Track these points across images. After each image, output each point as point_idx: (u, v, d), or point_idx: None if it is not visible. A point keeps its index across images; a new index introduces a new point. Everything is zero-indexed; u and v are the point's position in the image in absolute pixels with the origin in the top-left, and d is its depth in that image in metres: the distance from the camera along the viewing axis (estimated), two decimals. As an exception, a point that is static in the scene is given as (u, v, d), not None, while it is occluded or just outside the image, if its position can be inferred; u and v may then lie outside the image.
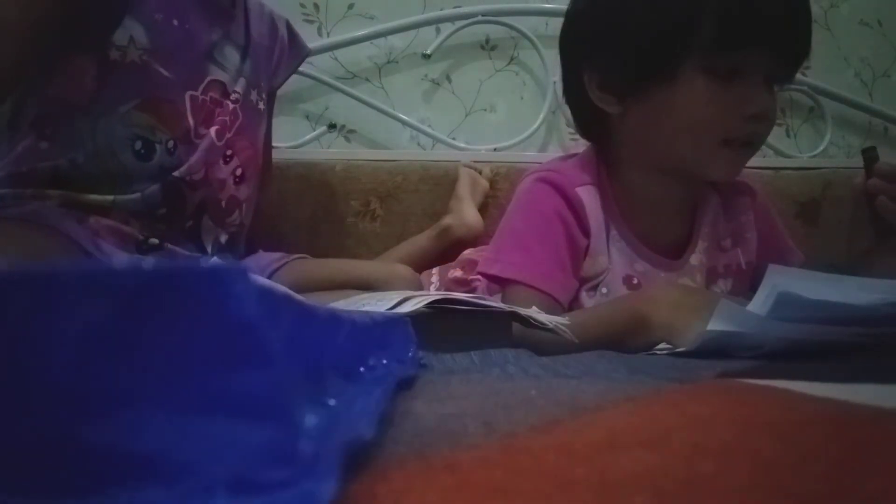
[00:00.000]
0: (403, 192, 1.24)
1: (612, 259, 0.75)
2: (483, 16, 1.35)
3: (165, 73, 0.78)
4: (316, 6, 1.37)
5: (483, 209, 1.21)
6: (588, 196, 0.75)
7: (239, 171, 0.89)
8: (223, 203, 0.87)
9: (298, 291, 0.65)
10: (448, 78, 1.40)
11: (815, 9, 1.45)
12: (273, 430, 0.14)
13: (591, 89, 0.75)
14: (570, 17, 0.79)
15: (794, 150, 1.42)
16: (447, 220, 1.16)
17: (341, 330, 0.24)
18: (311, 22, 1.36)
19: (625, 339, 0.58)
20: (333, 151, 1.33)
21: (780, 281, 0.46)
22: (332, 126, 1.34)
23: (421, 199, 1.24)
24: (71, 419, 0.13)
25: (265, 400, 0.14)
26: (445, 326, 0.50)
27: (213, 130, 0.85)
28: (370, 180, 1.24)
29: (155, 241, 0.80)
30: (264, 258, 0.93)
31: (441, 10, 1.36)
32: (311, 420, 0.16)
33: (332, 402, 0.19)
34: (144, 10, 0.77)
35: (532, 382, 0.36)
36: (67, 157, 0.76)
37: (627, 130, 0.76)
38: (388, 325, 0.32)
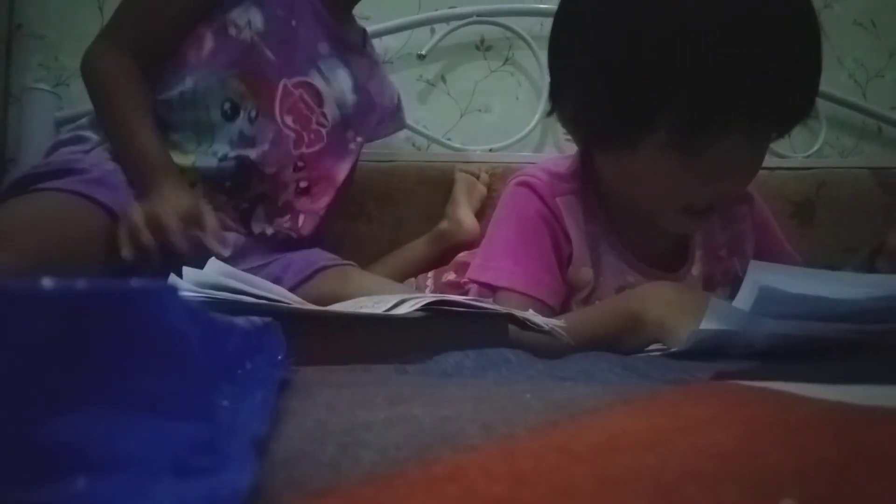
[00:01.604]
0: (399, 194, 1.24)
1: (603, 270, 0.74)
2: (478, 16, 1.35)
3: (269, 56, 0.91)
4: (310, 7, 1.36)
5: (480, 214, 1.21)
6: (567, 206, 0.73)
7: (304, 184, 0.98)
8: (279, 202, 0.96)
9: (335, 299, 0.68)
10: (443, 78, 1.40)
11: (809, 9, 1.46)
12: (197, 425, 0.17)
13: (562, 117, 0.72)
14: (551, 39, 0.72)
15: (788, 150, 1.42)
16: (444, 225, 1.16)
17: (231, 336, 0.26)
18: (306, 23, 1.36)
19: (618, 338, 0.58)
20: (328, 152, 1.33)
21: (762, 276, 0.46)
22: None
23: (417, 200, 1.24)
24: (20, 421, 0.15)
25: (189, 399, 0.17)
26: (442, 329, 0.50)
27: (291, 138, 0.95)
28: (365, 182, 1.23)
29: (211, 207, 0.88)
30: (314, 255, 0.96)
31: (436, 10, 1.36)
32: (219, 417, 0.19)
33: (225, 403, 0.21)
34: (268, 3, 0.90)
35: (528, 385, 0.36)
36: (165, 95, 0.88)
37: (597, 162, 0.74)
38: (262, 330, 0.34)
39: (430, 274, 1.04)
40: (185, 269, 0.51)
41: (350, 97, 1.01)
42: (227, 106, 0.90)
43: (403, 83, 1.38)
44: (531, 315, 0.55)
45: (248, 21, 0.89)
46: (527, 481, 0.18)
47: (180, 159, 0.88)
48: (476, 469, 0.19)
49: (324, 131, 0.98)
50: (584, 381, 0.37)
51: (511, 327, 0.56)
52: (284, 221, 0.98)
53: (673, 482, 0.18)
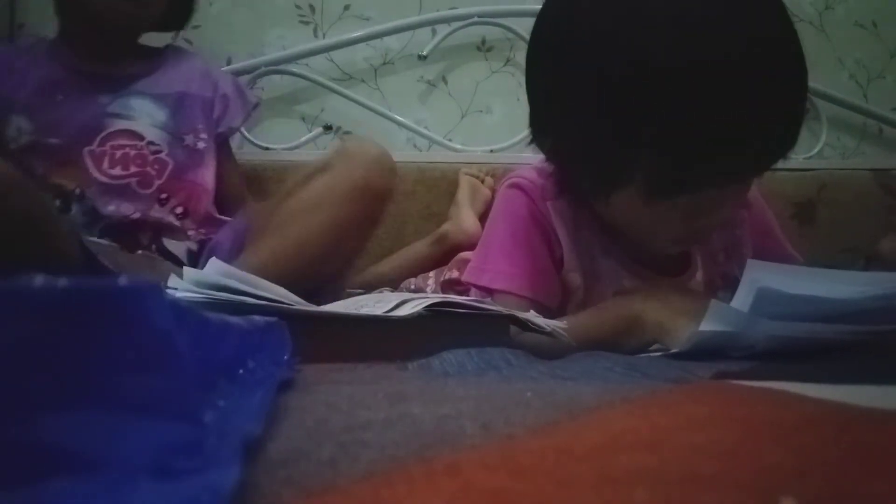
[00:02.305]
0: (399, 194, 1.24)
1: (599, 275, 0.72)
2: (479, 17, 1.35)
3: (54, 141, 0.92)
4: (311, 7, 1.36)
5: (483, 217, 1.20)
6: (557, 211, 0.72)
7: (180, 210, 0.97)
8: (172, 232, 0.96)
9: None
10: (444, 79, 1.40)
11: (810, 10, 1.46)
12: (182, 427, 0.17)
13: (541, 142, 0.69)
14: (526, 72, 0.67)
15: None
16: (446, 227, 1.17)
17: (228, 336, 0.26)
18: (307, 23, 1.36)
19: (618, 339, 0.58)
20: (329, 153, 1.33)
21: (760, 276, 0.46)
22: (328, 128, 1.34)
23: (417, 200, 1.24)
24: (7, 420, 0.15)
25: (174, 400, 0.17)
26: (444, 329, 0.50)
27: (134, 181, 0.94)
28: (366, 182, 1.24)
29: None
30: (229, 232, 0.96)
31: (437, 11, 1.36)
32: (209, 418, 0.18)
33: (221, 402, 0.21)
34: (23, 102, 0.92)
35: (528, 384, 0.36)
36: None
37: None
38: (266, 329, 0.34)
39: (430, 274, 1.04)
40: (186, 269, 0.51)
41: (162, 113, 1.00)
42: (57, 203, 0.90)
43: (404, 84, 1.38)
44: (532, 316, 0.55)
45: (17, 128, 0.91)
46: (527, 479, 0.18)
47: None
48: (476, 467, 0.19)
49: (163, 155, 0.97)
50: (585, 381, 0.37)
51: (512, 328, 0.56)
52: (195, 236, 0.97)
53: (673, 481, 0.18)
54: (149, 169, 0.96)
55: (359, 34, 1.33)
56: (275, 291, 0.49)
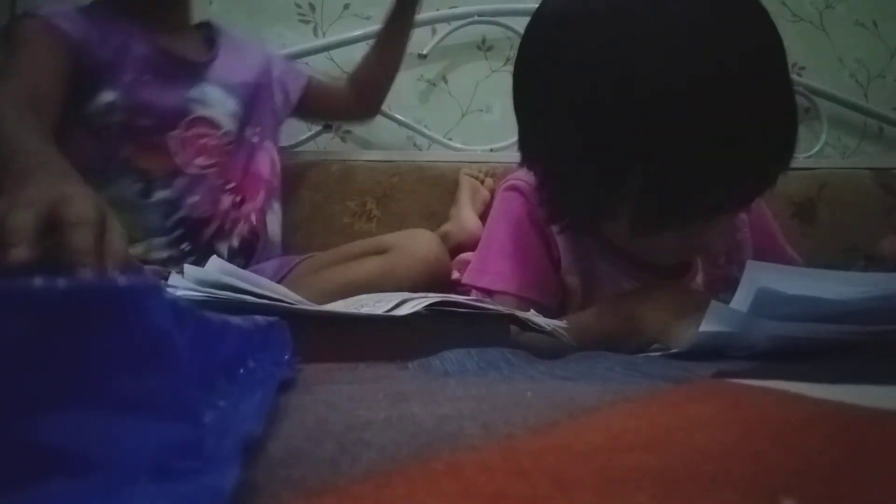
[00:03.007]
0: (400, 193, 1.24)
1: (598, 278, 0.72)
2: (479, 16, 1.35)
3: (145, 121, 0.91)
4: (311, 6, 1.36)
5: (483, 218, 1.20)
6: None
7: (239, 198, 1.00)
8: (228, 224, 0.98)
9: (312, 279, 0.66)
10: (444, 78, 1.40)
11: (811, 9, 1.46)
12: (181, 428, 0.16)
13: (531, 167, 0.70)
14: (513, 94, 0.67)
15: (789, 151, 1.42)
16: (446, 228, 1.17)
17: (228, 335, 0.26)
18: (307, 22, 1.36)
19: (618, 340, 0.58)
20: (329, 152, 1.33)
21: (760, 277, 0.46)
22: (327, 127, 1.34)
23: (417, 199, 1.24)
24: (5, 420, 0.15)
25: (174, 401, 0.16)
26: (444, 329, 0.50)
27: (213, 173, 0.96)
28: (366, 181, 1.24)
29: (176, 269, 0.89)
30: (276, 263, 1.00)
31: (437, 10, 1.36)
32: (209, 418, 0.18)
33: (221, 402, 0.21)
34: (117, 79, 0.89)
35: (528, 384, 0.36)
36: None
37: None
38: (267, 329, 0.34)
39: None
40: (187, 267, 0.51)
41: (233, 103, 1.01)
42: (138, 188, 0.90)
43: (404, 83, 1.38)
44: (532, 315, 0.55)
45: (108, 104, 0.88)
46: (527, 479, 0.18)
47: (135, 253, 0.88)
48: (476, 467, 0.19)
49: (232, 146, 1.00)
50: (585, 381, 0.37)
51: (512, 328, 0.56)
52: (241, 229, 1.00)
53: (673, 481, 0.18)
54: (223, 160, 0.98)
55: (359, 33, 1.33)
56: (276, 290, 0.49)
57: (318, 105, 1.16)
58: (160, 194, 0.91)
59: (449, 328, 0.50)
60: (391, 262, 0.87)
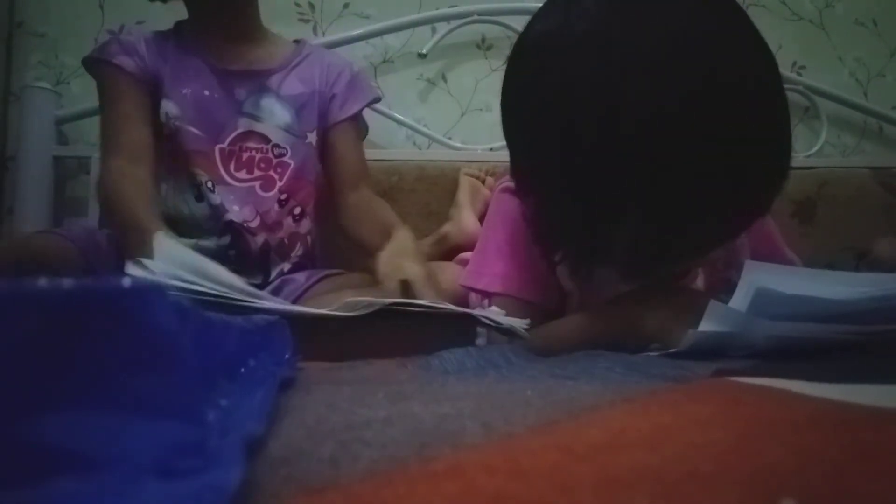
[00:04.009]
0: (399, 193, 1.24)
1: (596, 281, 0.72)
2: (479, 15, 1.34)
3: (194, 132, 0.96)
4: (311, 5, 1.36)
5: (483, 218, 1.20)
6: None
7: (298, 210, 1.02)
8: (285, 240, 1.01)
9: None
10: (444, 77, 1.40)
11: (811, 8, 1.46)
12: (184, 426, 0.17)
13: (524, 198, 0.68)
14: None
15: (789, 150, 1.42)
16: (446, 228, 1.17)
17: (229, 335, 0.27)
18: (307, 21, 1.36)
19: (617, 339, 0.57)
20: (329, 151, 1.33)
21: (758, 276, 0.46)
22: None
23: (417, 199, 1.24)
24: (5, 420, 0.15)
25: (177, 400, 0.17)
26: (412, 329, 0.50)
27: (257, 185, 0.99)
28: (366, 180, 1.23)
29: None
30: (307, 273, 1.01)
31: (437, 9, 1.36)
32: (211, 417, 0.19)
33: (223, 401, 0.21)
34: (175, 90, 0.96)
35: (528, 383, 0.36)
36: (167, 209, 0.95)
37: None
38: (268, 328, 0.35)
39: (430, 274, 1.04)
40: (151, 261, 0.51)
41: (287, 115, 1.02)
42: (194, 192, 0.96)
43: (404, 82, 1.38)
44: (492, 313, 0.55)
45: (166, 113, 0.95)
46: (527, 479, 0.18)
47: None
48: (476, 466, 0.19)
49: (286, 157, 1.01)
50: (585, 380, 0.37)
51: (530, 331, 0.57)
52: (298, 251, 1.03)
53: (673, 480, 0.18)
54: (272, 173, 1.00)
55: (358, 32, 1.33)
56: (223, 279, 0.49)
57: (330, 160, 1.07)
58: (209, 199, 0.96)
59: (416, 328, 0.51)
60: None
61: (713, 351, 0.48)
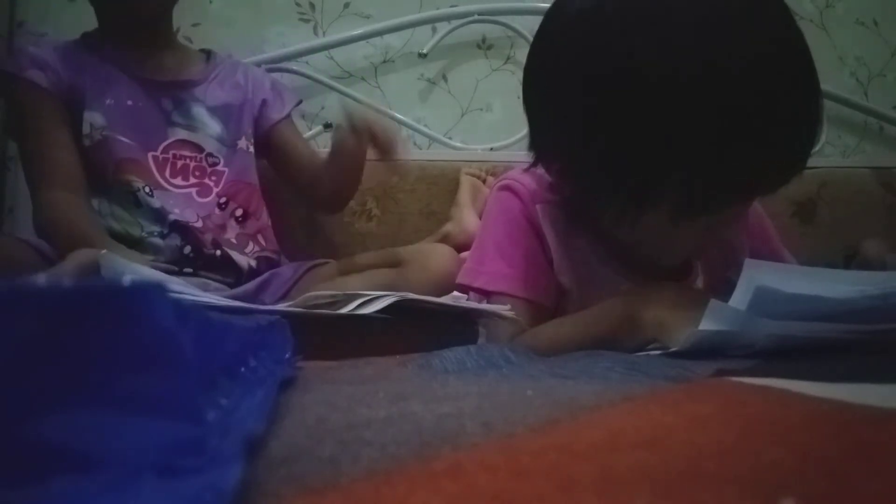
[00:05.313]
0: (400, 192, 1.24)
1: (595, 282, 0.71)
2: (479, 15, 1.35)
3: (124, 140, 0.96)
4: (311, 5, 1.36)
5: (484, 217, 1.21)
6: (546, 215, 0.71)
7: (239, 213, 1.02)
8: (233, 240, 1.00)
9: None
10: (444, 77, 1.40)
11: (811, 8, 1.46)
12: (184, 426, 0.17)
13: (547, 166, 0.68)
14: (525, 88, 0.65)
15: (789, 150, 1.42)
16: (447, 227, 1.17)
17: (230, 334, 0.27)
18: (307, 21, 1.36)
19: (616, 339, 0.57)
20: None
21: (758, 275, 0.46)
22: (328, 125, 1.34)
23: (417, 198, 1.24)
24: (5, 419, 0.15)
25: (177, 399, 0.17)
26: (413, 328, 0.50)
27: (194, 191, 0.99)
28: (366, 180, 1.23)
29: (189, 270, 0.94)
30: (293, 266, 1.02)
31: (437, 9, 1.36)
32: (211, 417, 0.19)
33: (223, 401, 0.21)
34: (97, 100, 0.95)
35: (528, 382, 0.36)
36: (109, 225, 0.94)
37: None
38: (268, 328, 0.35)
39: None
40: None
41: (217, 125, 1.03)
42: (131, 198, 0.95)
43: (405, 82, 1.38)
44: (472, 303, 0.56)
45: (91, 125, 0.94)
46: (527, 478, 0.18)
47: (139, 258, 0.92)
48: (477, 466, 0.19)
49: (220, 166, 1.02)
50: (585, 379, 0.37)
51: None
52: (252, 249, 1.02)
53: (673, 480, 0.18)
54: (207, 180, 1.01)
55: (359, 32, 1.33)
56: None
57: (284, 156, 1.10)
58: (149, 203, 0.95)
59: (419, 326, 0.51)
60: (404, 275, 0.88)
61: (713, 350, 0.48)
